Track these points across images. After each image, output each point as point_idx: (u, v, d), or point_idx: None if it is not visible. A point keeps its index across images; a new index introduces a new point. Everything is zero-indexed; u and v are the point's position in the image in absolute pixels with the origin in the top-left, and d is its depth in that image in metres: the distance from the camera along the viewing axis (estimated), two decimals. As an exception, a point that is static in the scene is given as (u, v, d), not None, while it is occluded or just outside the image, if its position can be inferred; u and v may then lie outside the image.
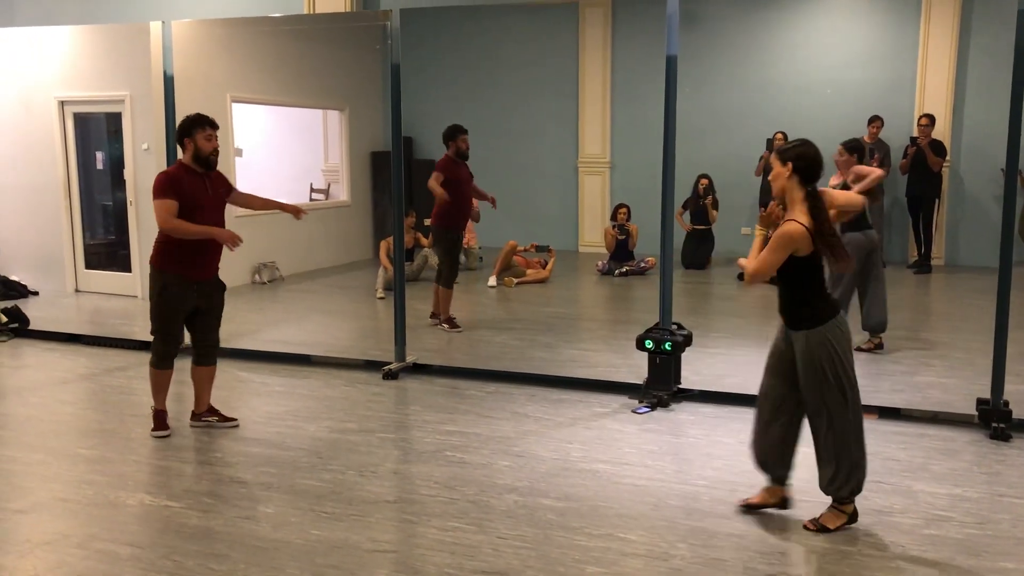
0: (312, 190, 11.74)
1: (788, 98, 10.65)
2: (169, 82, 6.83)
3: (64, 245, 9.32)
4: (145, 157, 8.75)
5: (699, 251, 10.28)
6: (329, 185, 11.68)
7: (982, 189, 10.04)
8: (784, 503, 3.90)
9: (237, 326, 7.99)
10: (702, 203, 10.24)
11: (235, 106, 9.61)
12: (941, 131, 9.87)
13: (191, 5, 9.04)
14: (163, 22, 6.87)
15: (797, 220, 3.57)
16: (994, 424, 4.91)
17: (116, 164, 9.18)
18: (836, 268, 3.68)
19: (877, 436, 4.88)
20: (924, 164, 9.52)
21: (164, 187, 4.76)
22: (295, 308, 8.93)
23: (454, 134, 7.24)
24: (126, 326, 8.00)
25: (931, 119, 9.57)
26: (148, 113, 8.60)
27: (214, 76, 9.24)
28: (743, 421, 5.14)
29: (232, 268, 9.50)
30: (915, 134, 9.68)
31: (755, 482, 4.24)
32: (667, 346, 5.50)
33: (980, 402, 5.06)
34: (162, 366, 5.05)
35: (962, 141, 10.13)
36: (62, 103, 9.12)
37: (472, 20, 11.51)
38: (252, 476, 4.40)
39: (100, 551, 3.60)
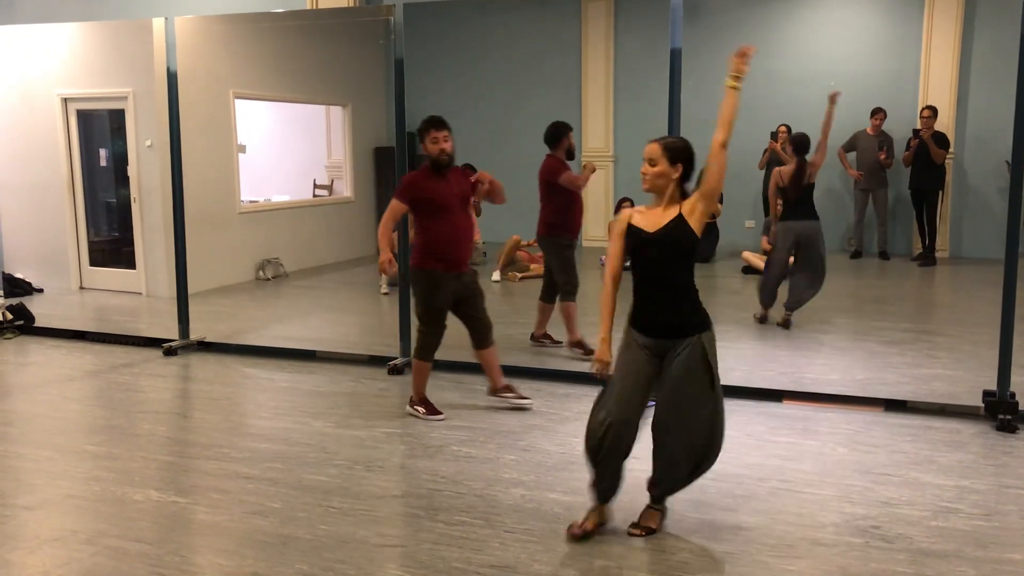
0: (315, 186, 11.75)
1: (791, 91, 10.62)
2: (172, 78, 6.82)
3: (68, 242, 9.33)
4: (149, 154, 8.76)
5: (703, 244, 10.23)
6: (332, 181, 11.69)
7: (985, 181, 10.02)
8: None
9: (242, 322, 8.02)
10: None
11: (238, 102, 9.61)
12: (944, 123, 9.85)
13: (193, 1, 9.03)
14: (166, 18, 6.87)
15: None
16: (1000, 416, 4.90)
17: (120, 161, 9.19)
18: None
19: (884, 429, 4.89)
20: (927, 156, 9.51)
21: (400, 189, 5.04)
22: (299, 304, 8.94)
23: (565, 131, 6.46)
24: (131, 323, 8.01)
25: (933, 111, 9.55)
26: (151, 110, 8.60)
27: (217, 72, 9.24)
28: (748, 414, 5.15)
29: (236, 264, 9.57)
30: (918, 126, 9.67)
31: (761, 475, 4.25)
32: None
33: (986, 394, 5.05)
34: (428, 358, 5.23)
35: (966, 133, 10.10)
36: (65, 100, 9.13)
37: (475, 15, 11.48)
38: (259, 471, 4.40)
39: (108, 547, 3.61)
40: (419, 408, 5.22)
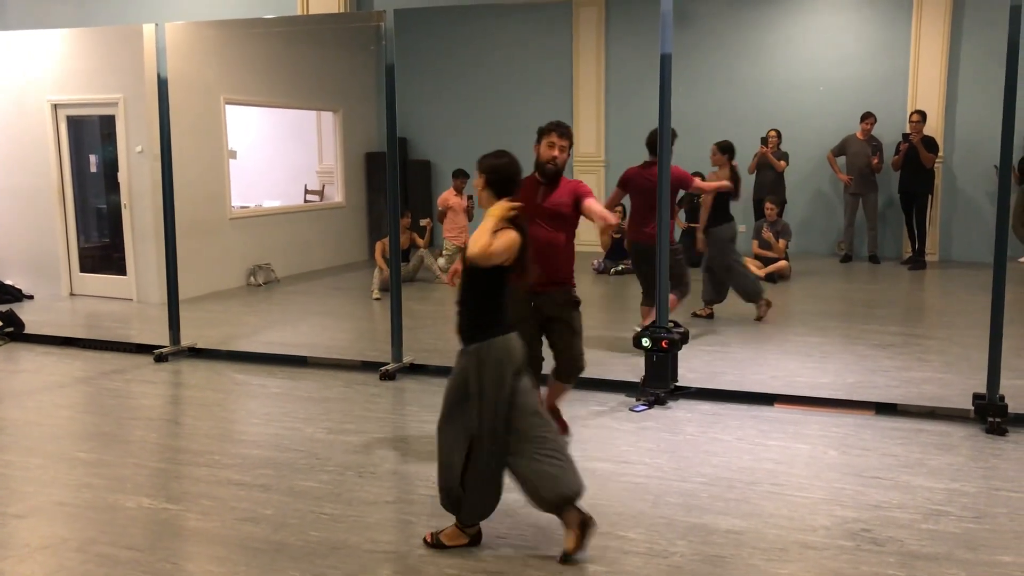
0: (307, 192, 11.74)
1: (781, 95, 10.67)
2: (163, 84, 6.82)
3: (58, 249, 9.30)
4: (139, 160, 8.74)
5: (694, 249, 10.28)
6: (324, 186, 11.68)
7: (975, 185, 10.08)
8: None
9: (234, 328, 8.01)
10: (696, 201, 10.24)
11: (229, 108, 9.60)
12: (933, 127, 9.91)
13: (184, 7, 9.03)
14: (156, 24, 6.86)
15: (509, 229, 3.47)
16: (990, 419, 4.93)
17: (110, 167, 9.16)
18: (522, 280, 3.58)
19: (874, 432, 4.91)
20: (917, 160, 9.56)
21: None
22: (291, 310, 8.93)
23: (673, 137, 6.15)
24: (122, 329, 7.99)
25: (922, 115, 9.61)
26: (142, 116, 8.59)
27: (208, 78, 9.23)
28: (740, 418, 5.17)
29: (227, 270, 9.55)
30: (907, 130, 9.72)
31: (753, 479, 4.26)
32: (664, 344, 5.51)
33: (976, 397, 5.08)
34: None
35: (955, 137, 10.16)
36: (55, 106, 9.10)
37: (466, 20, 11.51)
38: (251, 478, 4.40)
39: (99, 555, 3.60)
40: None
